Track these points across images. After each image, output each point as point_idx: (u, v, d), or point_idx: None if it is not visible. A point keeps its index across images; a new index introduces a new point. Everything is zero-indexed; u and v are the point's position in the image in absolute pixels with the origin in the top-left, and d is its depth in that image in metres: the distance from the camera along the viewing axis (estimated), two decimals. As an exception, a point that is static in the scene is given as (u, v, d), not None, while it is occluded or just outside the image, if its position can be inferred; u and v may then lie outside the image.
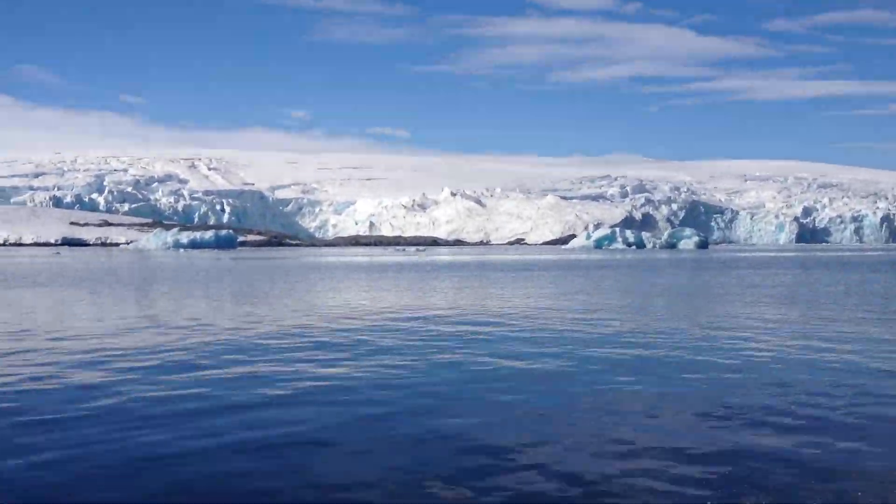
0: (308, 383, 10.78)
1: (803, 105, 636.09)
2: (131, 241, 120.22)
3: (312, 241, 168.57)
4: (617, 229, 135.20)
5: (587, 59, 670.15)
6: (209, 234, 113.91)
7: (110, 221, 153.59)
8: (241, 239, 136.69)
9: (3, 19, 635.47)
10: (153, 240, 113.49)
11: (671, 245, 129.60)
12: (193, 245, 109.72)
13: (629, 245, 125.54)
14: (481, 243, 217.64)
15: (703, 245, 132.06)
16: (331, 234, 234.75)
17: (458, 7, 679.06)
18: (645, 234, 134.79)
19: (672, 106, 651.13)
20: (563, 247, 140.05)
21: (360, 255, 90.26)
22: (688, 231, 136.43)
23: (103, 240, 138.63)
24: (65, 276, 41.11)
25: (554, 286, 32.26)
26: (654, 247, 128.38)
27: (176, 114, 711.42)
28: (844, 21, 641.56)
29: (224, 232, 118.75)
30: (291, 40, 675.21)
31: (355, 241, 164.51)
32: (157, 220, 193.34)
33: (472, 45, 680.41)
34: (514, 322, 18.29)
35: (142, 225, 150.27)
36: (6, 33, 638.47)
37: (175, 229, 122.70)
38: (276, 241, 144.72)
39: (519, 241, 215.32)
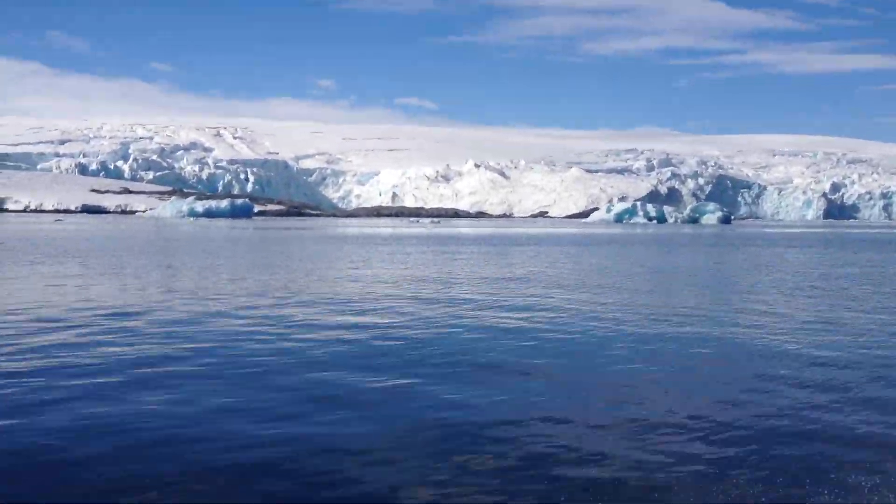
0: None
1: (834, 79, 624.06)
2: (149, 209, 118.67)
3: (334, 212, 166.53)
4: (638, 203, 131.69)
5: (617, 30, 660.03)
6: (225, 203, 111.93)
7: (131, 189, 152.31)
8: (260, 208, 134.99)
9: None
10: (169, 208, 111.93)
11: (693, 220, 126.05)
12: (209, 214, 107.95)
13: (650, 219, 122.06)
14: (504, 216, 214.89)
15: (726, 220, 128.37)
16: (354, 204, 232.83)
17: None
18: (667, 209, 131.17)
19: (702, 79, 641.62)
20: (583, 220, 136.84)
21: (372, 227, 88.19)
22: (711, 206, 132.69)
23: (123, 207, 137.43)
24: (49, 247, 39.28)
25: (552, 266, 29.84)
26: (675, 221, 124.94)
27: (203, 82, 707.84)
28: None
29: (241, 201, 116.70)
30: (319, 9, 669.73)
31: (376, 213, 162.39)
32: (179, 188, 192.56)
33: (500, 16, 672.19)
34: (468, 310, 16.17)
35: (162, 193, 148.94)
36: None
37: (192, 198, 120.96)
38: (296, 211, 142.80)
39: (542, 214, 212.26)
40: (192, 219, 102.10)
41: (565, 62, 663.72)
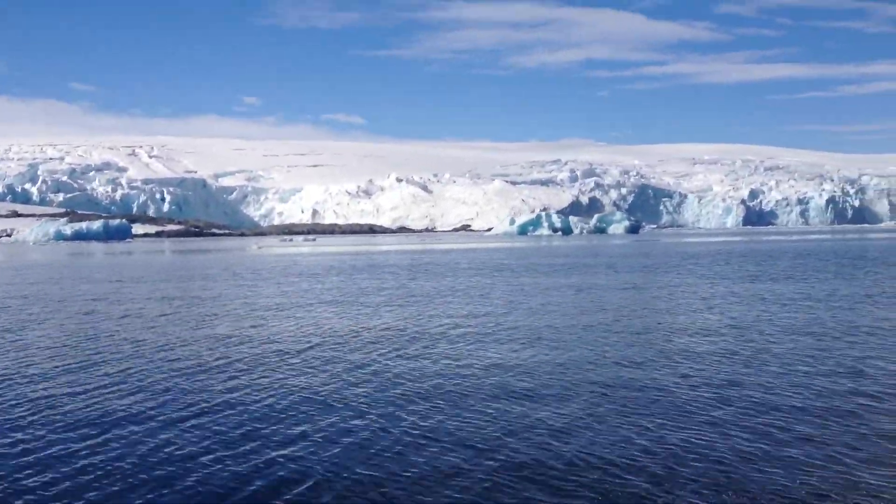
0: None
1: (752, 88, 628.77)
2: (5, 233, 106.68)
3: (242, 231, 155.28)
4: (543, 214, 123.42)
5: (540, 43, 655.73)
6: (98, 225, 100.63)
7: (21, 213, 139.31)
8: (158, 229, 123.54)
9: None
10: (36, 230, 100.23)
11: (600, 230, 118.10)
12: (79, 237, 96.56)
13: (555, 231, 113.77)
14: (426, 230, 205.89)
15: (633, 229, 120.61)
16: (276, 222, 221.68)
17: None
18: (573, 219, 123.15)
19: (623, 90, 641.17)
20: (485, 233, 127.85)
21: (248, 248, 77.82)
22: (618, 215, 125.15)
23: (8, 232, 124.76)
24: None
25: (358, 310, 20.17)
26: (581, 232, 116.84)
27: (125, 102, 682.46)
28: (793, 4, 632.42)
29: (116, 222, 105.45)
30: (241, 25, 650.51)
31: (288, 231, 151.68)
32: (71, 210, 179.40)
33: (424, 30, 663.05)
34: None
35: (55, 215, 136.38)
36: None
37: (63, 220, 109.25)
38: (196, 231, 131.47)
39: (465, 228, 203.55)
40: (62, 242, 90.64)
41: (491, 75, 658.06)
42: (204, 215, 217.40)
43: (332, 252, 62.82)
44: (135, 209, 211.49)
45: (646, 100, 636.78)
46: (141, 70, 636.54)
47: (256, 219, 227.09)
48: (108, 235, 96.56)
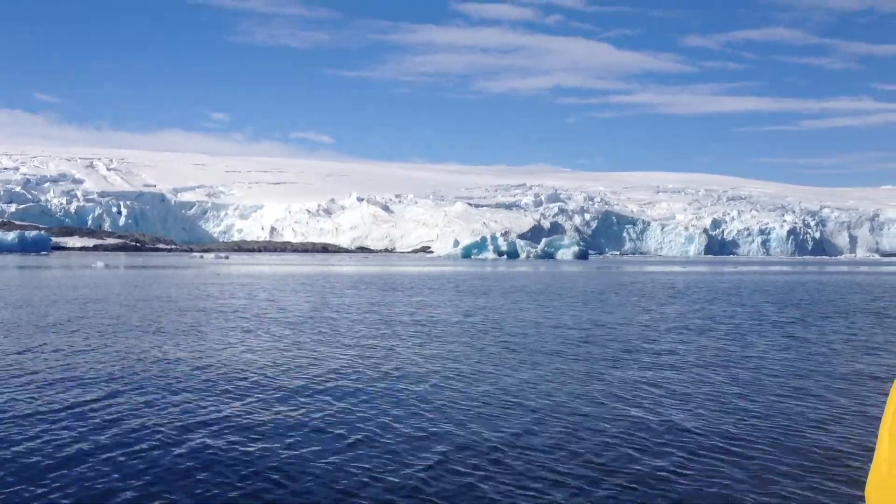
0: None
1: (717, 120, 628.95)
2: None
3: (190, 247, 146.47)
4: (488, 237, 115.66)
5: (509, 69, 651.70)
6: (12, 236, 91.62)
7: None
8: (97, 242, 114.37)
9: None
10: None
11: (548, 255, 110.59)
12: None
13: (500, 254, 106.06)
14: (385, 251, 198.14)
15: (582, 255, 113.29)
16: (236, 238, 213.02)
17: (381, 12, 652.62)
18: (519, 243, 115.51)
19: (590, 118, 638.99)
20: (427, 255, 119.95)
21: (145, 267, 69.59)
22: (566, 240, 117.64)
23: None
24: None
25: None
26: (528, 256, 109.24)
27: (91, 114, 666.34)
28: (758, 38, 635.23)
29: (33, 234, 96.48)
30: (211, 41, 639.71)
31: (237, 248, 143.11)
32: (6, 222, 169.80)
33: (395, 52, 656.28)
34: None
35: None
36: None
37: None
38: (134, 247, 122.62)
39: (425, 249, 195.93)
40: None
41: (459, 99, 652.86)
42: (162, 230, 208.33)
43: (230, 273, 54.83)
44: (90, 222, 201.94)
45: (612, 128, 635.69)
46: (108, 83, 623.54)
47: (216, 235, 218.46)
48: (23, 248, 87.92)
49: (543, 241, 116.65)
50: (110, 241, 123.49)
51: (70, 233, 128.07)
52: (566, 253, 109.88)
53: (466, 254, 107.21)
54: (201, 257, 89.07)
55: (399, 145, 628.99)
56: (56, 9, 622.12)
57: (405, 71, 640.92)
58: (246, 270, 54.88)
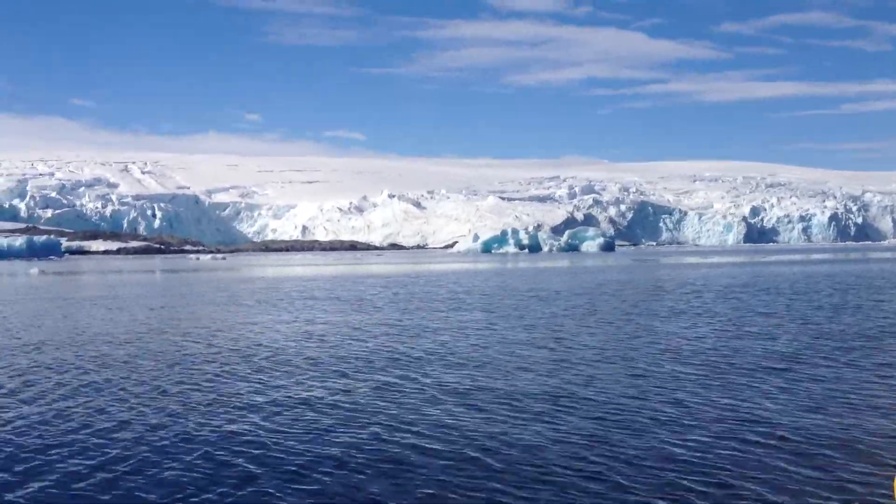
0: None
1: (753, 106, 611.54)
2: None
3: (218, 248, 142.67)
4: (509, 230, 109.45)
5: (539, 61, 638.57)
6: (20, 241, 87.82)
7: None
8: (120, 246, 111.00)
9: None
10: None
11: (572, 247, 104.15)
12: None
13: (521, 248, 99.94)
14: (418, 247, 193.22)
15: (608, 247, 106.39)
16: (269, 238, 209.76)
17: (408, 9, 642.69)
18: (541, 236, 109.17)
19: (624, 108, 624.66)
20: (448, 251, 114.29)
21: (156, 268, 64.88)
22: (591, 231, 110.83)
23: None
24: None
25: None
26: (551, 250, 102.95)
27: (127, 119, 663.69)
28: (793, 22, 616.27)
29: (43, 238, 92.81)
30: (242, 42, 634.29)
31: (265, 248, 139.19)
32: (75, 228, 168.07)
33: (424, 47, 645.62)
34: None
35: (12, 231, 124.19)
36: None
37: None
38: (157, 249, 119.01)
39: (455, 245, 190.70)
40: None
41: (491, 93, 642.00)
42: (196, 232, 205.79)
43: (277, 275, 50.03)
44: (125, 225, 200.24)
45: (647, 118, 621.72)
46: (142, 87, 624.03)
47: (250, 235, 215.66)
48: (31, 253, 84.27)
49: (567, 233, 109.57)
50: (134, 244, 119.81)
51: (94, 236, 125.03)
52: (591, 245, 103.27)
53: (487, 248, 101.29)
54: (197, 259, 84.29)
55: (431, 141, 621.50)
56: (90, 16, 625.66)
57: (435, 66, 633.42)
58: (219, 277, 49.96)
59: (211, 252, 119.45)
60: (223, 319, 20.29)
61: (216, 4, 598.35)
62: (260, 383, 11.36)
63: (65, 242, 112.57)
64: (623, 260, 72.70)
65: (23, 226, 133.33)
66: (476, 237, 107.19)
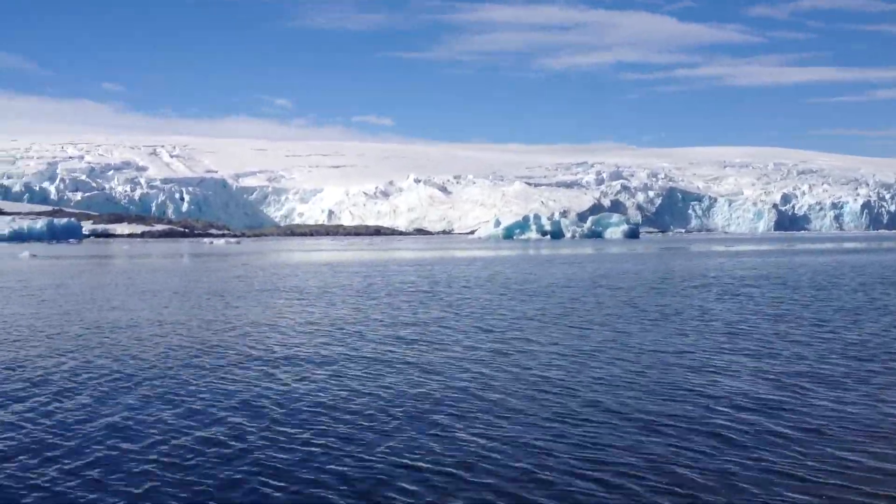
0: None
1: (784, 92, 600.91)
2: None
3: (243, 232, 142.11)
4: (531, 216, 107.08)
5: (569, 45, 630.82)
6: (41, 224, 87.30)
7: (4, 210, 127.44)
8: (144, 229, 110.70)
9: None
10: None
11: (596, 234, 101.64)
12: (17, 237, 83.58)
13: (544, 234, 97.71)
14: (443, 232, 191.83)
15: (632, 234, 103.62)
16: (297, 222, 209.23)
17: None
18: (564, 222, 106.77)
19: (654, 93, 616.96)
20: (469, 236, 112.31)
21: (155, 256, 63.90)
22: (615, 218, 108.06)
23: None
24: None
25: None
26: (573, 236, 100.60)
27: (157, 102, 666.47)
28: (825, 7, 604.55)
29: (63, 220, 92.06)
30: (271, 27, 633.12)
31: (290, 232, 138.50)
32: (102, 211, 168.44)
33: (453, 31, 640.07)
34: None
35: (39, 214, 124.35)
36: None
37: (9, 217, 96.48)
38: (181, 233, 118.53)
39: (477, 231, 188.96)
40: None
41: (519, 77, 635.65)
42: (224, 215, 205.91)
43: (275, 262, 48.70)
44: (153, 209, 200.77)
45: (676, 103, 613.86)
46: (172, 71, 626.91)
47: (277, 219, 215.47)
48: (52, 235, 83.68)
49: (590, 219, 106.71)
50: (158, 227, 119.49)
51: (120, 220, 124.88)
52: (615, 231, 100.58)
53: (508, 234, 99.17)
54: (211, 243, 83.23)
55: (460, 126, 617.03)
56: (120, 2, 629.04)
57: (464, 51, 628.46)
58: (220, 266, 48.62)
59: (236, 236, 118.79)
60: (165, 318, 18.82)
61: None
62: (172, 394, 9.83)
63: (90, 225, 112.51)
64: (645, 247, 70.45)
65: (49, 208, 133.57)
66: (498, 222, 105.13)
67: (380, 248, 71.19)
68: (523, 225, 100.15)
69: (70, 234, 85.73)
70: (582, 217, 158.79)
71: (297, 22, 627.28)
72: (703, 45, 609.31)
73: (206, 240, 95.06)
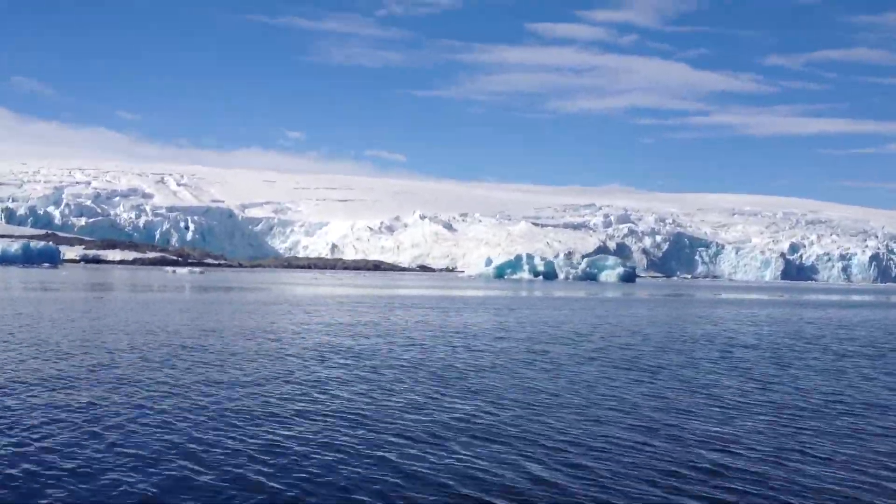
0: None
1: (796, 142, 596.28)
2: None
3: (239, 262, 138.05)
4: (524, 255, 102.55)
5: (583, 89, 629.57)
6: (16, 247, 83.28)
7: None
8: (136, 256, 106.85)
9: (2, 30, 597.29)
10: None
11: (590, 276, 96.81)
12: (-9, 260, 79.75)
13: (536, 275, 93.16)
14: (447, 269, 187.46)
15: (629, 278, 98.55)
16: (301, 255, 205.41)
17: (454, 33, 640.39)
18: (557, 263, 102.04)
19: (667, 139, 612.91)
20: (459, 274, 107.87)
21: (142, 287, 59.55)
22: (611, 260, 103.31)
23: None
24: None
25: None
26: (567, 278, 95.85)
27: (171, 132, 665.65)
28: (839, 59, 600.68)
29: (40, 244, 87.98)
30: (289, 61, 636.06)
31: (287, 264, 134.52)
32: (106, 238, 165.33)
33: (468, 71, 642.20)
34: None
35: (33, 237, 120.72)
36: (3, 45, 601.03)
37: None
38: (174, 261, 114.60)
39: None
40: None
41: (532, 119, 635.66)
42: (229, 246, 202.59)
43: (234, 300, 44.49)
44: (157, 237, 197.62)
45: (688, 149, 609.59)
46: (188, 102, 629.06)
47: (282, 251, 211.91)
48: (27, 259, 79.78)
49: (585, 260, 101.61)
50: (151, 255, 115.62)
51: (113, 246, 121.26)
52: (610, 274, 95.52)
53: (500, 273, 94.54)
54: (173, 272, 78.97)
55: (470, 164, 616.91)
56: (140, 31, 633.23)
57: (478, 90, 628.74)
58: (157, 298, 44.39)
59: (230, 266, 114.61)
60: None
61: (265, 23, 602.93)
62: None
63: (81, 251, 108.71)
64: (637, 292, 65.91)
65: (42, 232, 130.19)
66: (489, 261, 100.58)
67: (349, 285, 66.80)
68: (515, 264, 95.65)
69: (46, 258, 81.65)
70: (588, 258, 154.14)
71: (315, 57, 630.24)
72: (717, 93, 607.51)
73: (168, 268, 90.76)
